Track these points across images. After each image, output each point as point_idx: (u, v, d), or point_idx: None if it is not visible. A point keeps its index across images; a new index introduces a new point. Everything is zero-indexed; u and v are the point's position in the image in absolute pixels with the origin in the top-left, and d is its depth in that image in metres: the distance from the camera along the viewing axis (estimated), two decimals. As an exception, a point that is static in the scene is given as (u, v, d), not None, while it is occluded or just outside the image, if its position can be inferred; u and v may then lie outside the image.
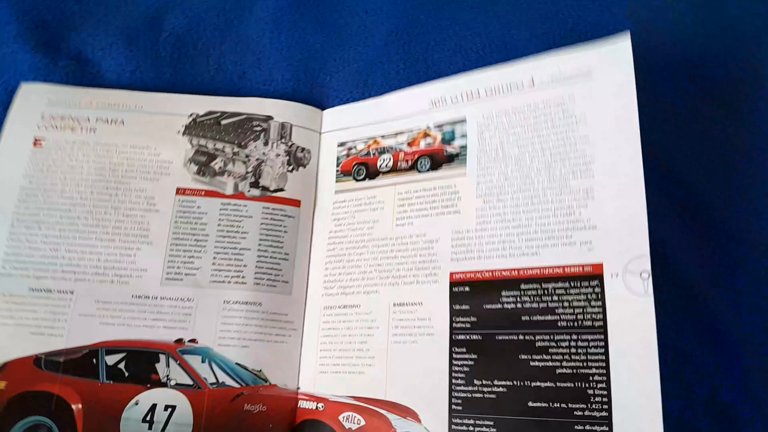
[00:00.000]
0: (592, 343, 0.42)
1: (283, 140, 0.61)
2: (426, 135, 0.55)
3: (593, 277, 0.43)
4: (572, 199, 0.46)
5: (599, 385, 0.41)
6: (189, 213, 0.57)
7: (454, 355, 0.46)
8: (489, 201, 0.49)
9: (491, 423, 0.43)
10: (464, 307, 0.47)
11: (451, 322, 0.47)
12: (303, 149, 0.60)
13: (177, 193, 0.58)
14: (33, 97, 0.59)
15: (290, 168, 0.60)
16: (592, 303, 0.43)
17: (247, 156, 0.60)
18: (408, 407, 0.47)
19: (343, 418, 0.48)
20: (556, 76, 0.50)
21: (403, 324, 0.49)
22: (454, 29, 0.62)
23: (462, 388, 0.45)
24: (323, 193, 0.58)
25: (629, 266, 0.42)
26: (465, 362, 0.46)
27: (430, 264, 0.50)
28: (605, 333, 0.42)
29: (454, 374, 0.46)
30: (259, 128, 0.61)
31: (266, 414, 0.51)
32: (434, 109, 0.55)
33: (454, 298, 0.48)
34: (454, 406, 0.45)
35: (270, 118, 0.61)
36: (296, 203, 0.58)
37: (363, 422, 0.47)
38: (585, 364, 0.42)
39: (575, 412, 0.41)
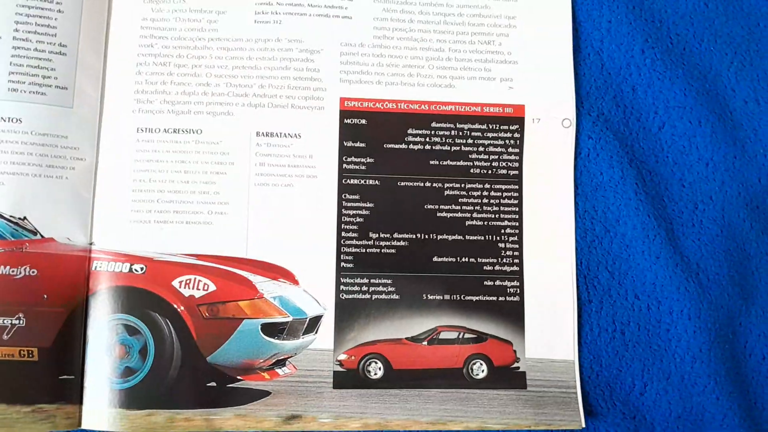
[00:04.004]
0: (505, 194, 0.40)
1: None
2: None
3: (514, 120, 0.41)
4: (492, 25, 0.42)
5: (511, 239, 0.40)
6: None
7: (345, 203, 0.39)
8: (391, 10, 0.41)
9: (389, 282, 0.39)
10: (359, 144, 0.40)
11: (341, 162, 0.39)
12: None
13: None
14: None
15: None
16: (510, 150, 0.40)
17: None
18: (279, 266, 0.38)
19: (180, 283, 0.37)
20: None
21: (271, 161, 0.39)
22: None
23: (354, 242, 0.39)
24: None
25: (551, 111, 0.41)
26: (358, 212, 0.39)
27: (311, 83, 0.40)
28: (520, 183, 0.41)
29: (344, 226, 0.39)
30: None
31: (38, 280, 0.36)
32: None
33: (345, 131, 0.39)
34: (343, 264, 0.38)
35: None
36: (76, -37, 0.39)
37: (212, 287, 0.37)
38: (497, 216, 0.40)
39: (485, 267, 0.40)
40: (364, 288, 0.38)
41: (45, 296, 0.36)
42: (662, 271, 0.41)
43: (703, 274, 0.41)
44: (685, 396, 0.39)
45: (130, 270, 0.37)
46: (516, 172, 0.40)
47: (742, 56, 0.44)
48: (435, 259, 0.39)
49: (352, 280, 0.38)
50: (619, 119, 0.42)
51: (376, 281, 0.39)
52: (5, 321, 0.36)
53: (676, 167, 0.42)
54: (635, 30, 0.43)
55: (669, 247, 0.41)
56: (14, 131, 0.37)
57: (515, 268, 0.39)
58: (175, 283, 0.37)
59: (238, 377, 0.37)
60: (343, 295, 0.38)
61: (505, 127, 0.40)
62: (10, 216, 0.36)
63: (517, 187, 0.40)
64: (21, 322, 0.36)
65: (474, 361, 0.38)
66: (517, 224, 0.40)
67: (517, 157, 0.40)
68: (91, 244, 0.38)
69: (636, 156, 0.42)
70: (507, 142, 0.40)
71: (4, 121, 0.37)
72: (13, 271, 0.36)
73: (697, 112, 0.42)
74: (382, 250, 0.39)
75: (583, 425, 0.38)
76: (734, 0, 0.44)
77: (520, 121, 0.41)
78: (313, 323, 0.38)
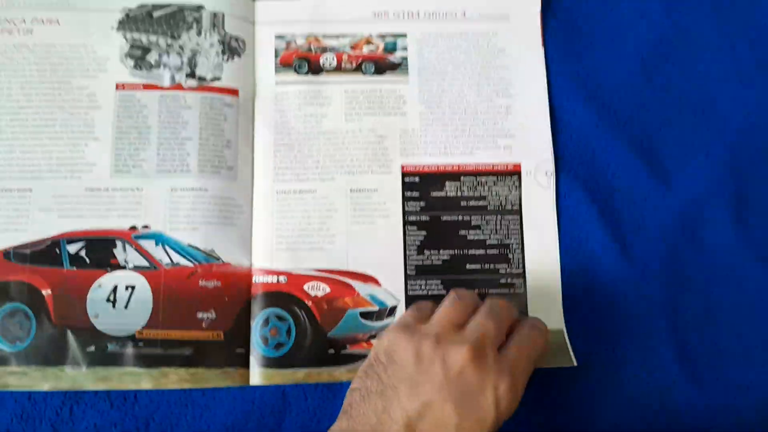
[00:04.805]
0: (511, 222, 0.63)
1: (215, 29, 0.64)
2: (368, 42, 0.66)
3: (513, 173, 0.63)
4: (496, 112, 0.65)
5: (516, 251, 0.62)
6: (130, 107, 0.62)
7: (408, 233, 0.62)
8: (430, 107, 0.64)
9: (439, 282, 0.61)
10: (415, 193, 0.62)
11: (404, 206, 0.62)
12: (237, 38, 0.64)
13: (117, 88, 0.62)
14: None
15: (225, 57, 0.64)
16: (512, 192, 0.63)
17: (181, 47, 0.63)
18: (368, 275, 0.60)
19: (308, 287, 0.59)
20: (483, 14, 0.67)
21: (360, 207, 0.61)
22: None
23: (415, 257, 0.61)
24: (263, 83, 0.64)
25: (538, 166, 0.63)
26: (417, 237, 0.61)
27: (382, 157, 0.63)
28: (521, 214, 0.63)
29: (408, 247, 0.61)
30: (191, 18, 0.64)
31: (221, 289, 0.59)
32: (376, 20, 0.66)
33: (405, 186, 0.62)
34: (409, 272, 0.61)
35: (201, 7, 0.64)
36: (234, 92, 0.63)
37: (328, 289, 0.60)
38: (506, 236, 0.62)
39: (500, 270, 0.61)
40: (423, 287, 0.60)
41: (226, 298, 0.59)
42: (615, 274, 0.61)
43: (649, 274, 0.62)
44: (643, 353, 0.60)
45: (277, 281, 0.59)
46: (517, 207, 0.62)
47: (670, 125, 0.66)
48: (468, 266, 0.61)
49: (415, 282, 0.60)
50: (584, 171, 0.64)
51: (431, 282, 0.61)
52: (204, 315, 0.58)
53: (624, 202, 0.63)
54: (591, 111, 0.65)
55: (621, 257, 0.62)
56: (203, 196, 0.60)
57: (520, 270, 0.61)
58: (306, 287, 0.59)
59: (348, 346, 0.59)
60: (410, 292, 0.60)
61: (509, 178, 0.63)
62: (204, 249, 0.59)
63: (518, 217, 0.62)
64: (213, 315, 0.58)
65: (497, 330, 0.59)
66: (520, 241, 0.62)
67: (518, 197, 0.63)
68: (251, 265, 0.60)
69: (597, 195, 0.63)
70: (510, 187, 0.63)
71: (197, 190, 0.60)
72: (207, 283, 0.58)
73: (636, 165, 0.64)
74: (434, 262, 0.61)
75: (575, 364, 0.58)
76: (666, 81, 0.67)
77: (518, 174, 0.63)
78: (392, 310, 0.60)
